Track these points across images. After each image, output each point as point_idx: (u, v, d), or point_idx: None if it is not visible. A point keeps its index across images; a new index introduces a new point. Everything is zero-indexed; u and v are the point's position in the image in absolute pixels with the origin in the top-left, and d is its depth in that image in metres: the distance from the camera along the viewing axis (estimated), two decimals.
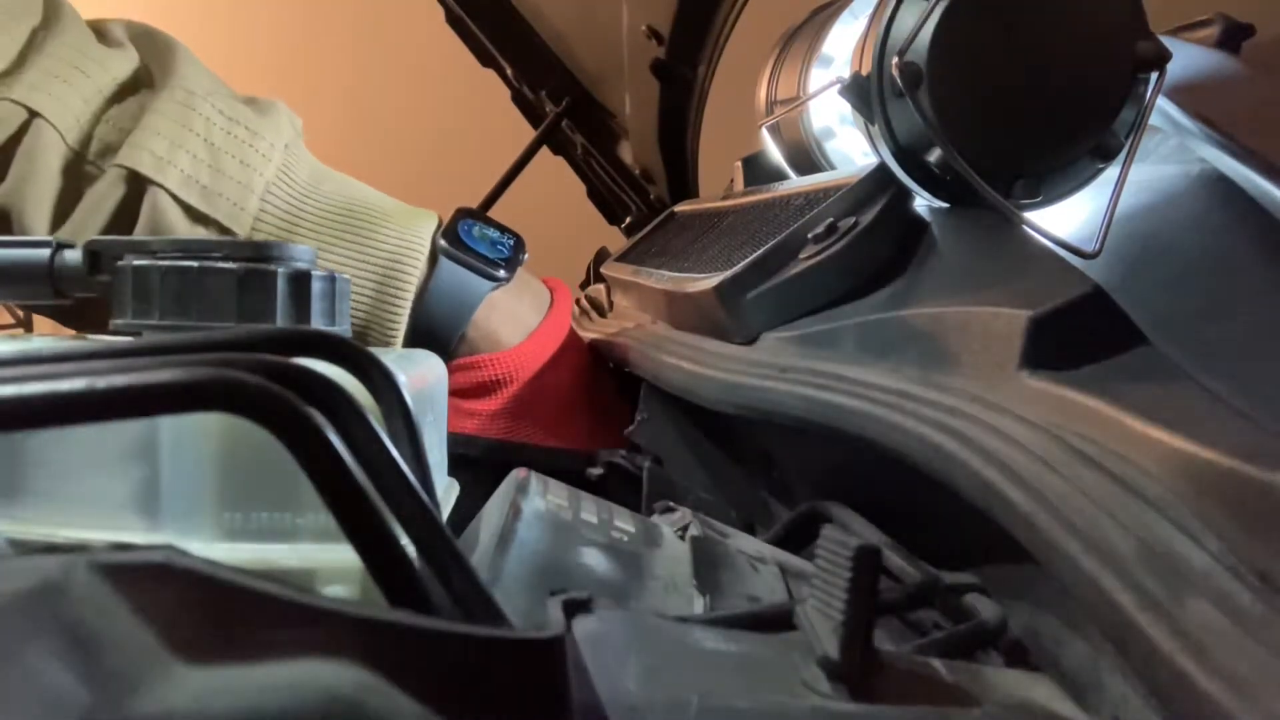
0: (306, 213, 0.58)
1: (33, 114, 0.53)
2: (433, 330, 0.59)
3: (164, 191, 0.54)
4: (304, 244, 0.57)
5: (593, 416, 0.64)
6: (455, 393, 0.60)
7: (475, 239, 0.61)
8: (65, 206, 0.55)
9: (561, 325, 0.64)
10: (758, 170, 0.64)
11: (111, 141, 0.55)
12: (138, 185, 0.54)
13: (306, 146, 0.62)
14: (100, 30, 0.59)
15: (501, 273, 0.60)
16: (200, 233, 0.55)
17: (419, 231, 0.60)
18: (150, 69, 0.58)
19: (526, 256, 0.63)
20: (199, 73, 0.59)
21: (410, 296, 0.58)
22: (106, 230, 0.55)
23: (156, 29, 0.61)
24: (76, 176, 0.55)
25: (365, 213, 0.60)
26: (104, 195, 0.54)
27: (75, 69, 0.55)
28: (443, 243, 0.59)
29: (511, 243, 0.63)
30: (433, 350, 0.59)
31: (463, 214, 0.62)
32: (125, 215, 0.55)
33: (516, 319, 0.62)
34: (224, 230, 0.56)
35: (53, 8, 0.56)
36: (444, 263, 0.59)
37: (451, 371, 0.60)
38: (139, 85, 0.57)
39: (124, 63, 0.57)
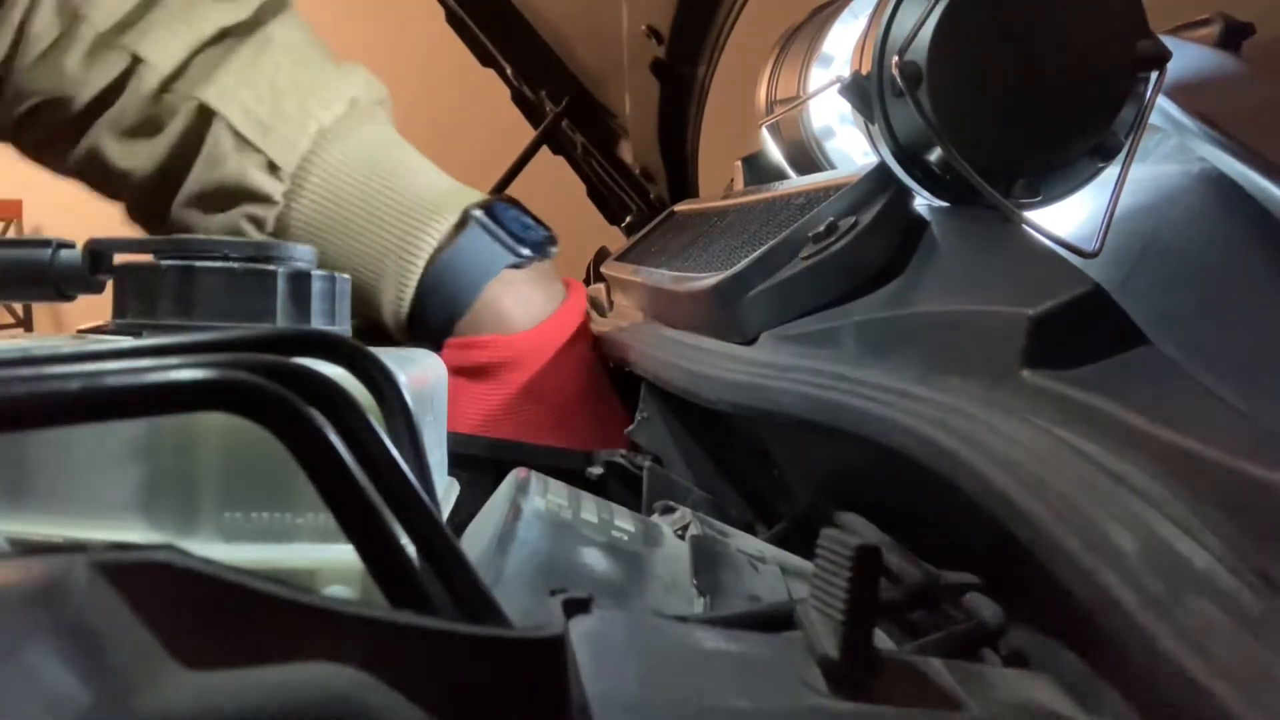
0: (353, 162, 0.61)
1: (137, 59, 0.60)
2: (445, 288, 0.61)
3: (223, 121, 0.60)
4: (345, 188, 0.61)
5: (594, 415, 0.64)
6: (458, 371, 0.60)
7: (508, 218, 0.63)
8: (145, 132, 0.62)
9: (572, 319, 0.64)
10: (758, 170, 0.64)
11: (199, 80, 0.61)
12: (205, 116, 0.60)
13: None
14: None
15: (525, 251, 0.62)
16: (248, 162, 0.60)
17: (459, 196, 0.63)
18: (253, 22, 0.63)
19: (556, 250, 0.65)
20: (291, 28, 0.64)
21: (430, 247, 0.61)
22: (173, 156, 0.61)
23: None
24: (163, 109, 0.61)
25: (413, 171, 0.63)
26: (176, 126, 0.61)
27: (182, 20, 0.62)
28: (476, 211, 0.62)
29: (544, 233, 0.65)
30: (440, 313, 0.60)
31: (504, 197, 0.65)
32: (191, 144, 0.61)
33: (529, 304, 0.63)
34: (270, 164, 0.60)
35: None
36: (472, 226, 0.61)
37: (456, 348, 0.60)
38: (235, 34, 0.63)
39: (230, 14, 0.63)
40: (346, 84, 0.63)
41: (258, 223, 0.61)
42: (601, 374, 0.66)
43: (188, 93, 0.60)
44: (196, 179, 0.61)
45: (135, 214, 0.67)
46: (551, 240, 0.65)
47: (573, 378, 0.63)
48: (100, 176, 0.65)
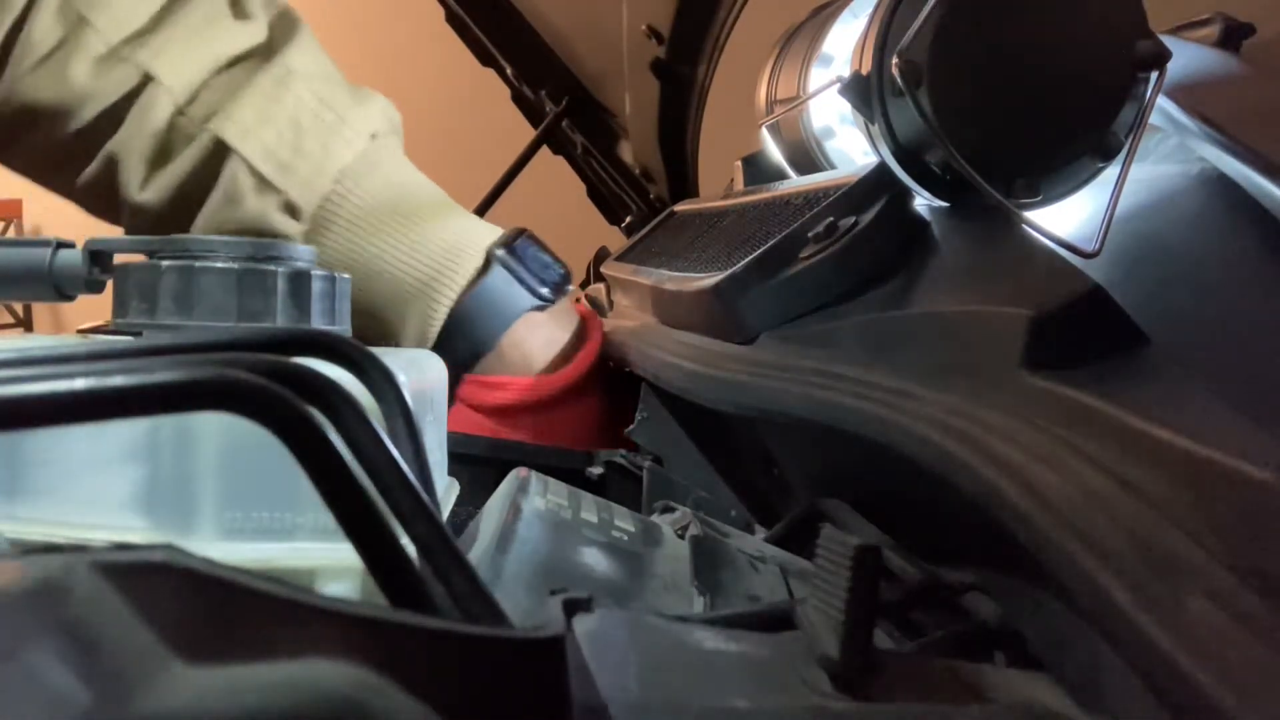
0: (374, 202, 0.60)
1: (149, 77, 0.57)
2: (470, 328, 0.61)
3: (242, 161, 0.57)
4: (366, 228, 0.60)
5: (610, 441, 0.64)
6: (478, 409, 0.61)
7: (529, 256, 0.63)
8: (160, 162, 0.59)
9: (592, 358, 0.64)
10: (758, 170, 0.64)
11: (215, 107, 0.58)
12: (221, 151, 0.58)
13: None
14: (237, 1, 0.62)
15: (546, 292, 0.62)
16: (267, 203, 0.58)
17: (479, 234, 0.62)
18: (271, 45, 0.61)
19: (572, 289, 0.65)
20: (308, 55, 0.61)
21: (456, 290, 0.60)
22: (184, 188, 0.59)
23: (292, 9, 0.64)
24: (177, 136, 0.58)
25: (432, 207, 0.62)
26: (190, 156, 0.58)
27: (198, 36, 0.59)
28: (499, 250, 0.61)
29: (562, 271, 0.64)
30: (463, 351, 0.60)
31: (522, 232, 0.64)
32: (204, 178, 0.58)
33: (553, 345, 0.63)
34: (290, 205, 0.59)
35: None
36: (496, 268, 0.61)
37: (478, 385, 0.61)
38: (254, 57, 0.60)
39: (246, 35, 0.60)
40: (366, 118, 0.61)
41: None
42: (613, 392, 0.66)
43: (202, 121, 0.58)
44: (211, 215, 0.59)
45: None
46: (568, 278, 0.64)
47: (594, 417, 0.63)
48: (107, 203, 0.62)
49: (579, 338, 0.64)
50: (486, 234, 0.63)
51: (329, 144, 0.59)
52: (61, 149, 0.60)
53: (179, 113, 0.58)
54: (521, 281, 0.61)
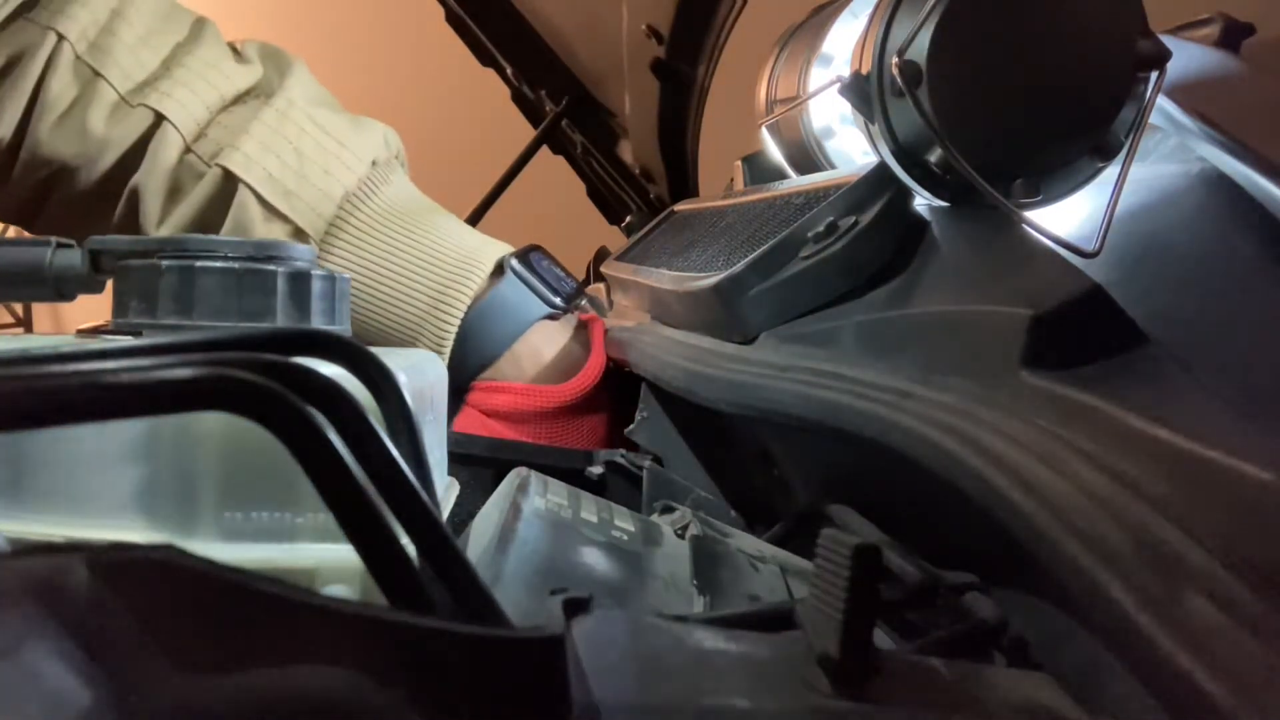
0: (378, 227, 0.62)
1: (160, 117, 0.60)
2: (480, 335, 0.62)
3: (249, 190, 0.60)
4: (372, 249, 0.62)
5: (602, 430, 0.64)
6: (489, 412, 0.61)
7: (543, 268, 0.64)
8: (175, 197, 0.62)
9: (599, 370, 0.64)
10: (758, 170, 0.64)
11: (222, 143, 0.61)
12: (230, 183, 0.60)
13: None
14: (236, 49, 0.66)
15: (559, 301, 0.63)
16: (276, 231, 0.61)
17: (487, 250, 0.64)
18: (269, 83, 0.64)
19: (585, 303, 0.67)
20: (308, 87, 0.64)
21: (469, 296, 0.62)
22: (198, 221, 0.61)
23: (283, 50, 0.67)
24: (187, 172, 0.61)
25: (441, 225, 0.63)
26: (201, 191, 0.61)
27: (203, 80, 0.62)
28: (512, 260, 0.63)
29: (574, 285, 0.66)
30: (473, 359, 0.61)
31: (535, 247, 0.66)
32: (216, 210, 0.61)
33: (568, 355, 0.64)
34: (298, 231, 0.61)
35: (197, 26, 0.64)
36: (509, 276, 0.62)
37: (487, 390, 0.61)
38: (256, 95, 0.63)
39: (246, 76, 0.64)
40: (366, 144, 0.63)
41: None
42: (614, 400, 0.66)
43: (210, 157, 0.60)
44: None
45: None
46: (581, 291, 0.66)
47: (604, 427, 0.64)
48: None
49: (588, 348, 0.65)
50: (497, 248, 0.64)
51: (331, 169, 0.61)
52: (90, 197, 0.62)
53: (187, 150, 0.60)
54: (534, 290, 0.62)
